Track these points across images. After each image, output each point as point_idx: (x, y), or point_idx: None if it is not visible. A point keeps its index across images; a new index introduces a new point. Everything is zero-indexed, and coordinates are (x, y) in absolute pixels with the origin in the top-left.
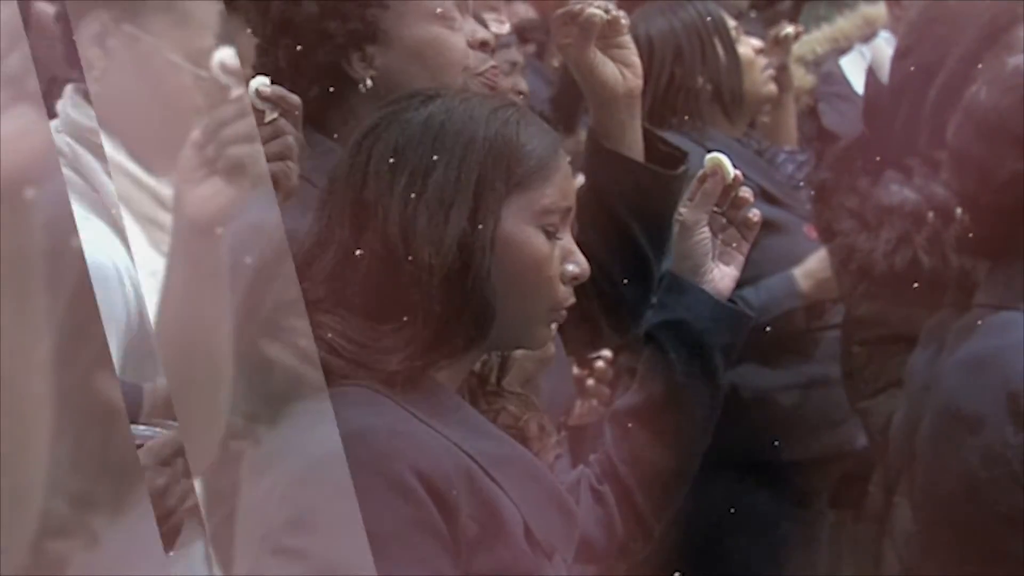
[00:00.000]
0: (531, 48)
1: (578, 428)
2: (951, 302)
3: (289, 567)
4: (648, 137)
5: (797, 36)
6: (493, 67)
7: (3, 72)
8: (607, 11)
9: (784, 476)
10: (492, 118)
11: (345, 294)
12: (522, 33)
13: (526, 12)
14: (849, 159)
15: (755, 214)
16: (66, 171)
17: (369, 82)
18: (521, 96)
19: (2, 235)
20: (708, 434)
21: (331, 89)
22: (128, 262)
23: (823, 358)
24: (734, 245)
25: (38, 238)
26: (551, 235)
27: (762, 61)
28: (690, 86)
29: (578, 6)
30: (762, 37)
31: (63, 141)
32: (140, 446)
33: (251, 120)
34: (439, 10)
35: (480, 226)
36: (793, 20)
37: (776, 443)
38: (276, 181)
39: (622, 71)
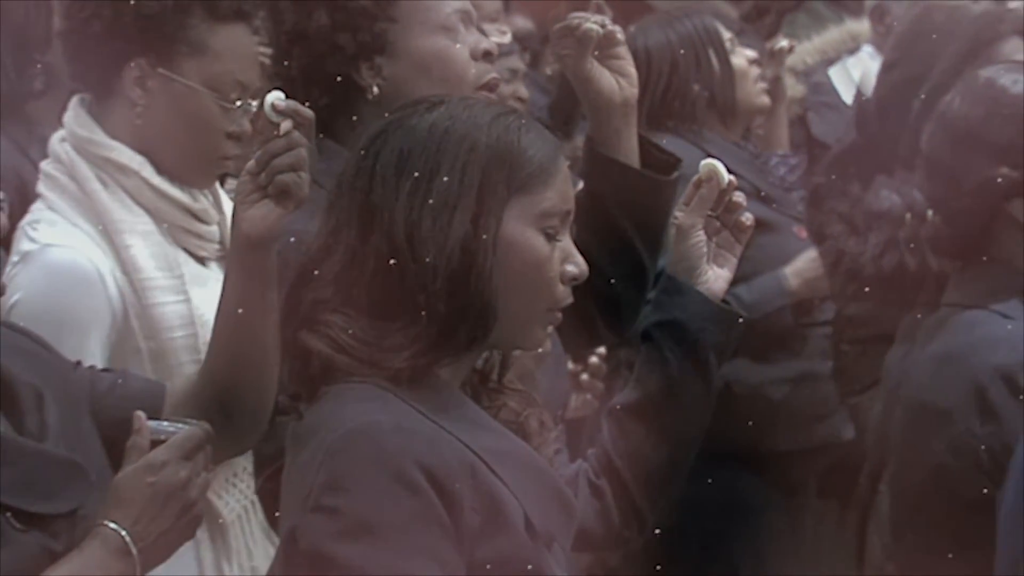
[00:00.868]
0: (526, 57)
1: (573, 422)
2: (924, 301)
3: (326, 523)
4: (644, 144)
5: (791, 49)
6: (494, 77)
7: None
8: (603, 25)
9: (774, 466)
10: (494, 124)
11: (352, 294)
12: (518, 43)
13: (522, 23)
14: (840, 166)
15: (748, 218)
16: (63, 178)
17: (376, 90)
18: (522, 102)
19: None
20: (702, 429)
21: (340, 96)
22: (113, 264)
23: (811, 354)
24: (727, 248)
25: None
26: (551, 237)
27: (756, 72)
28: (686, 93)
29: (575, 20)
30: (759, 50)
31: (63, 149)
32: (163, 441)
33: (297, 152)
34: (445, 23)
35: (482, 229)
36: (774, 34)
37: (767, 435)
38: (288, 190)
39: (618, 81)
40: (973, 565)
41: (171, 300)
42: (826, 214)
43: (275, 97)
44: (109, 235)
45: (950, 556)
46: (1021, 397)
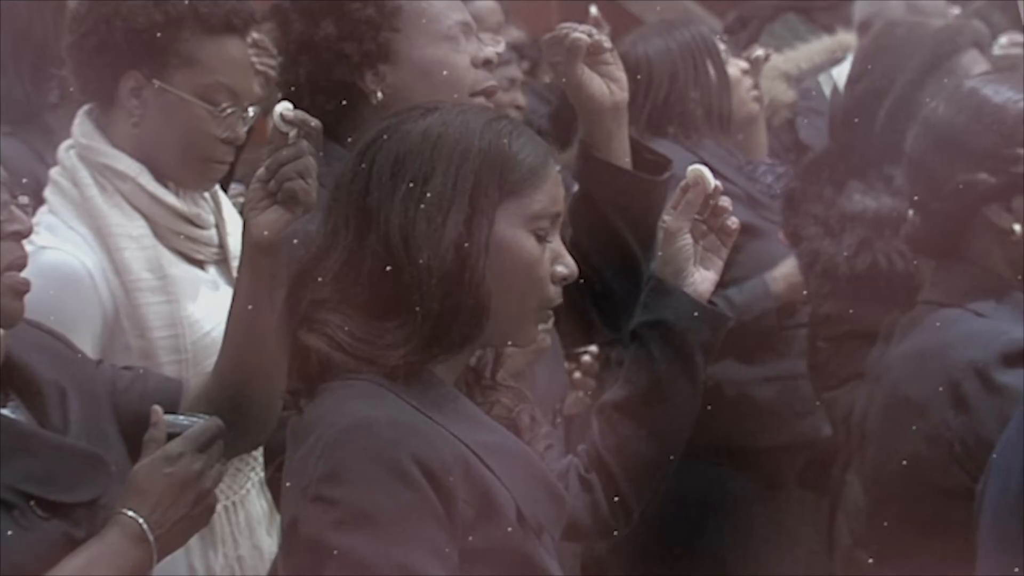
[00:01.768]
0: (524, 66)
1: (567, 418)
2: (902, 299)
3: (325, 512)
4: (635, 146)
5: (767, 58)
6: (492, 84)
7: None
8: (590, 35)
9: (756, 462)
10: (486, 129)
11: (350, 294)
12: (516, 53)
13: (519, 34)
14: (815, 171)
15: (733, 222)
16: (66, 184)
17: (380, 96)
18: (519, 110)
19: None
20: (689, 425)
21: (345, 102)
22: (106, 265)
23: (794, 355)
24: (714, 251)
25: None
26: (542, 239)
27: (748, 81)
28: (684, 101)
29: (564, 30)
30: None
31: (68, 157)
32: (179, 433)
33: (305, 160)
34: (446, 33)
35: (475, 230)
36: (752, 43)
37: (751, 432)
38: (296, 197)
39: (609, 86)
40: (944, 548)
41: (156, 301)
42: (802, 217)
43: (284, 108)
44: (103, 238)
45: (922, 540)
46: (993, 391)
